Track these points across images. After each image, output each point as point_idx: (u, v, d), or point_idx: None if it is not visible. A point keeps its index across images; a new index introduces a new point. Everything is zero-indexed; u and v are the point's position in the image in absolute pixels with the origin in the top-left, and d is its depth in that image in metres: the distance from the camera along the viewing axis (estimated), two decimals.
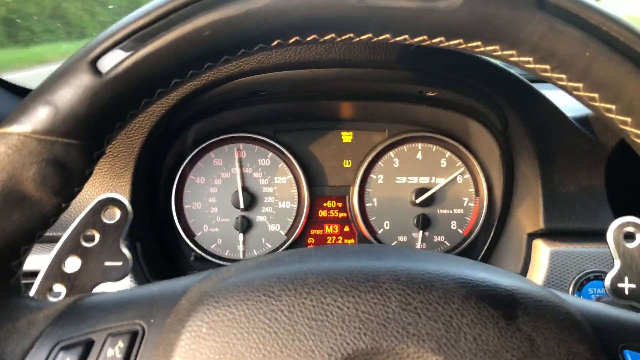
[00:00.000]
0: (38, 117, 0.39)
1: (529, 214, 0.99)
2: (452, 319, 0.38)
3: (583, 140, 0.95)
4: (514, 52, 0.39)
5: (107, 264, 0.53)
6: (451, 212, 1.14)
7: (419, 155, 1.15)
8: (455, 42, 0.39)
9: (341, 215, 1.16)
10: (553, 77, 0.39)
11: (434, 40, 0.39)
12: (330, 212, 1.16)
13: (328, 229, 1.16)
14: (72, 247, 0.52)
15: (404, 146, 1.15)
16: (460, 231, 1.14)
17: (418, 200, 1.13)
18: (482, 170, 1.13)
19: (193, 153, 1.11)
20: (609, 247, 0.54)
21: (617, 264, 0.53)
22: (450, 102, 1.04)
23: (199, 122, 1.08)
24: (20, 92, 1.13)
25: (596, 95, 0.39)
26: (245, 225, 1.12)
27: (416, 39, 0.40)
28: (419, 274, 0.40)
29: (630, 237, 0.53)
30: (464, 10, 0.37)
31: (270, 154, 1.14)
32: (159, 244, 1.09)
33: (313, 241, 1.16)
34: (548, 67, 0.39)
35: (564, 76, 0.39)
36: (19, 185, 0.39)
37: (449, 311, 0.38)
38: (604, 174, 0.96)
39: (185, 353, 0.38)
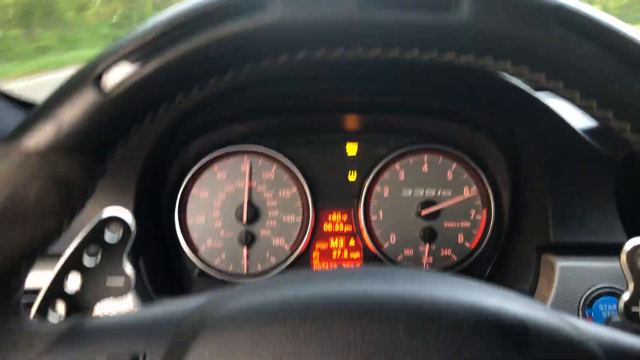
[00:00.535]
0: (41, 133, 0.38)
1: (537, 228, 0.97)
2: (461, 349, 0.37)
3: (591, 152, 0.93)
4: (526, 68, 0.38)
5: (109, 281, 0.52)
6: (458, 225, 1.13)
7: (425, 168, 1.13)
8: (466, 57, 0.38)
9: (346, 228, 1.15)
10: (567, 94, 0.39)
11: (445, 56, 0.39)
12: (336, 226, 1.15)
13: (333, 242, 1.15)
14: (74, 264, 0.51)
15: (410, 158, 1.13)
16: (468, 244, 1.13)
17: (424, 213, 1.11)
18: (489, 183, 1.11)
19: (196, 167, 1.10)
20: (621, 269, 0.52)
21: (631, 286, 0.51)
22: (457, 114, 1.03)
23: (202, 136, 1.08)
24: (23, 105, 1.13)
25: (610, 113, 0.38)
26: (249, 240, 1.10)
27: (426, 55, 0.39)
28: (427, 301, 0.39)
29: None
30: (477, 25, 0.37)
31: (275, 166, 1.13)
32: (162, 259, 1.08)
33: (318, 255, 1.15)
34: (561, 83, 0.38)
35: (577, 92, 0.38)
36: (21, 202, 0.38)
37: (458, 340, 0.37)
38: (614, 186, 0.94)
39: None
